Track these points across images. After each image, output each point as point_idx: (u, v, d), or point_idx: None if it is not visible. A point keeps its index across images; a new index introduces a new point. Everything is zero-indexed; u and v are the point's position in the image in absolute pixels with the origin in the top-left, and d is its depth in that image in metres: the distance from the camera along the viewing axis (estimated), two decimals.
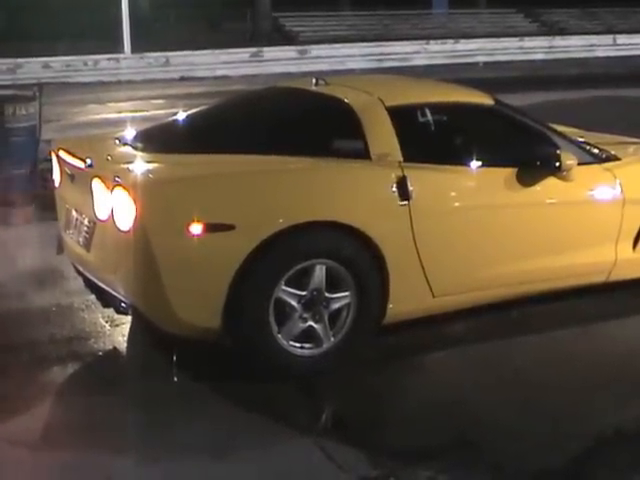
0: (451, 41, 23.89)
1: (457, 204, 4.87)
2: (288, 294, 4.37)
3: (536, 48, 24.86)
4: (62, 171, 5.14)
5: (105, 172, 4.48)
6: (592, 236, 5.34)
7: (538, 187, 5.05)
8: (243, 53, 23.83)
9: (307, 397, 4.31)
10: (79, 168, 4.77)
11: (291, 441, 3.89)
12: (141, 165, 4.57)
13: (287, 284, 4.36)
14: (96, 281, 4.76)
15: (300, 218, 4.36)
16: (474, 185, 5.02)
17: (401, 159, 4.72)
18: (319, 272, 4.42)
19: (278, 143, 4.80)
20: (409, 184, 4.62)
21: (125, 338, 5.07)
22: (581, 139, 5.81)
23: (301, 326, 4.44)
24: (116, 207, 4.33)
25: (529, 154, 5.11)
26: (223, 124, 5.24)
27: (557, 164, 5.00)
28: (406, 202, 4.61)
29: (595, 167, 5.37)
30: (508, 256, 5.06)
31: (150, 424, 4.06)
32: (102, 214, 4.48)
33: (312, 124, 5.05)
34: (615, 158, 5.53)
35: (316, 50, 23.75)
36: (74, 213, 4.96)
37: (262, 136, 4.97)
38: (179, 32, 28.80)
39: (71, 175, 4.93)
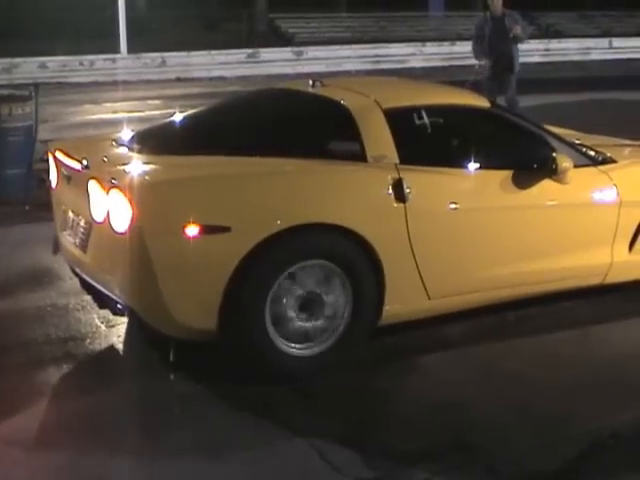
0: (447, 43, 24.00)
1: (453, 206, 4.83)
2: (284, 295, 4.37)
3: (533, 51, 24.86)
4: (59, 172, 5.11)
5: (101, 174, 4.48)
6: (588, 238, 5.35)
7: (534, 190, 5.06)
8: (239, 54, 23.84)
9: (303, 398, 4.31)
10: (76, 169, 4.75)
11: (287, 442, 3.88)
12: (137, 167, 4.53)
13: (283, 285, 4.36)
14: (92, 282, 4.76)
15: (296, 220, 4.35)
16: (470, 187, 5.01)
17: (397, 161, 4.74)
18: (315, 274, 4.43)
19: (275, 145, 4.80)
20: (405, 186, 4.63)
21: (121, 339, 5.07)
22: (577, 141, 5.81)
23: (297, 327, 4.44)
24: (112, 209, 4.32)
25: (525, 157, 5.14)
26: (220, 126, 5.24)
27: (553, 167, 5.03)
28: (402, 204, 4.63)
29: (591, 169, 5.38)
30: (504, 258, 5.07)
31: (146, 425, 4.07)
32: (98, 216, 4.47)
33: (308, 126, 5.07)
34: (611, 160, 5.55)
35: (312, 51, 23.79)
36: (70, 214, 4.95)
37: (259, 138, 4.97)
38: (176, 33, 28.79)
39: (67, 176, 4.92)
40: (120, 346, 4.99)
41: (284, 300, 4.38)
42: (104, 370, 4.69)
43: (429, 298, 4.82)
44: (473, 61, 12.36)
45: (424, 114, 5.04)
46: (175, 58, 22.92)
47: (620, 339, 5.14)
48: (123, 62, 22.89)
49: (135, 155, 4.79)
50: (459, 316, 5.09)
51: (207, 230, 4.21)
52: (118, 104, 16.99)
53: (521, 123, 5.44)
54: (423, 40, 25.94)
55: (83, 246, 4.73)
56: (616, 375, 4.61)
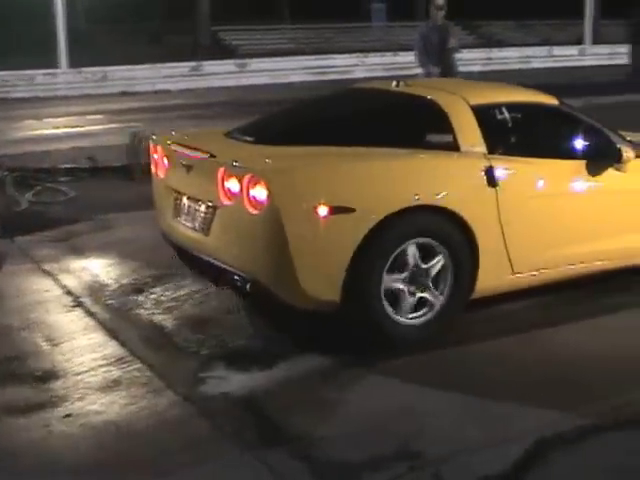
0: (390, 54, 24.14)
1: (535, 191, 5.49)
2: (397, 270, 4.93)
3: (475, 60, 25.18)
4: (172, 163, 5.60)
5: (234, 162, 4.89)
6: None
7: (603, 177, 5.72)
8: (183, 67, 23.78)
9: (249, 411, 4.28)
10: (201, 159, 5.24)
11: (234, 456, 3.85)
12: (267, 155, 5.05)
13: (396, 261, 4.91)
14: (213, 261, 5.15)
15: (409, 203, 4.88)
16: (549, 174, 5.58)
17: (486, 151, 5.34)
18: (422, 250, 4.99)
19: (379, 136, 5.35)
20: (495, 173, 5.23)
21: (65, 357, 5.00)
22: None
23: (407, 299, 5.00)
24: (247, 193, 4.75)
25: (594, 148, 5.82)
26: (322, 120, 5.81)
27: (619, 157, 5.68)
28: (494, 189, 5.22)
29: None
30: (576, 238, 5.70)
31: (89, 446, 4.02)
32: (228, 200, 4.91)
33: (407, 120, 5.67)
34: None
35: (256, 63, 23.78)
36: (186, 201, 5.45)
37: (365, 130, 5.49)
38: (119, 46, 28.60)
39: (188, 166, 5.33)
40: (64, 365, 4.91)
41: (397, 274, 4.91)
42: (47, 389, 4.62)
43: (513, 273, 5.40)
44: (415, 71, 12.46)
45: (505, 110, 5.72)
46: (118, 72, 22.79)
47: (568, 341, 5.19)
48: (64, 77, 22.69)
49: (254, 146, 5.37)
50: None
51: (335, 210, 4.70)
52: (59, 119, 16.84)
53: (585, 119, 6.00)
54: (366, 51, 26.08)
55: (204, 229, 5.19)
56: (563, 376, 4.67)
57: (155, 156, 5.86)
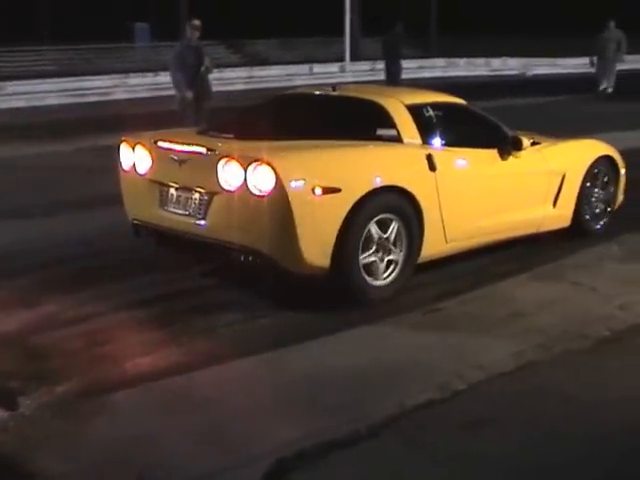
0: (151, 74, 23.75)
1: (463, 174, 6.77)
2: (369, 239, 5.98)
3: (237, 79, 25.37)
4: (157, 159, 6.34)
5: (236, 153, 5.78)
6: (532, 197, 7.38)
7: (509, 162, 7.05)
8: None
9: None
10: (199, 152, 6.02)
11: None
12: (260, 148, 5.86)
13: (369, 232, 5.97)
14: (209, 240, 5.97)
15: (376, 184, 5.97)
16: (472, 161, 6.85)
17: (421, 143, 6.52)
18: (385, 223, 6.06)
19: (340, 132, 6.38)
20: (434, 160, 6.39)
21: None
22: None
23: (376, 264, 6.08)
24: (251, 178, 5.62)
25: (500, 138, 7.08)
26: (288, 119, 6.84)
27: (520, 145, 7.02)
28: (433, 172, 6.38)
29: (532, 148, 7.31)
30: (493, 212, 6.97)
31: None
32: (229, 185, 5.74)
33: (358, 118, 6.76)
34: (537, 143, 7.54)
35: (12, 86, 22.73)
36: (174, 191, 6.22)
37: (326, 127, 6.55)
38: None
39: (180, 160, 6.10)
40: None
41: (368, 251, 5.99)
42: None
43: (446, 242, 6.59)
44: (174, 91, 12.37)
45: (430, 109, 6.86)
46: None
47: (312, 356, 5.25)
48: None
49: (238, 141, 6.20)
50: (147, 352, 5.15)
51: (326, 191, 5.71)
52: None
53: (486, 115, 7.33)
54: (129, 71, 25.62)
55: (200, 213, 6.01)
56: (304, 393, 4.69)
57: (131, 155, 6.53)
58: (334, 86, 7.27)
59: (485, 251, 7.15)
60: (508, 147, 7.03)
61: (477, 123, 7.28)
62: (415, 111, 6.68)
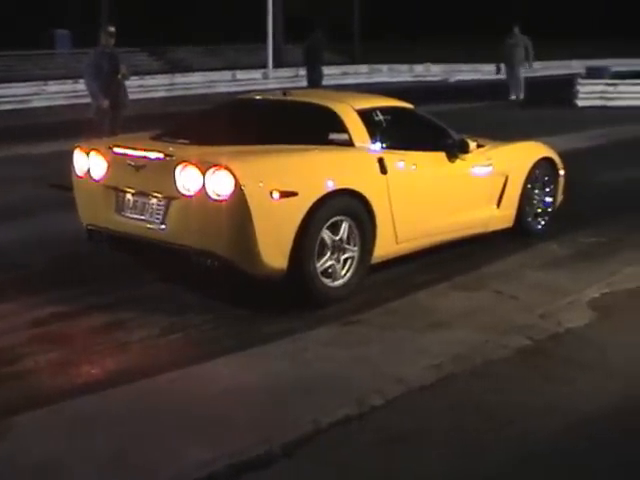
0: (70, 81, 23.16)
1: (413, 176, 6.89)
2: (324, 241, 6.06)
3: (158, 86, 24.95)
4: (113, 164, 6.35)
5: (193, 158, 5.84)
6: (479, 198, 7.57)
7: (456, 164, 7.21)
8: None
9: None
10: (156, 158, 6.04)
11: None
12: (217, 153, 5.96)
13: (324, 234, 6.05)
14: (170, 245, 5.97)
15: (330, 187, 6.07)
16: (421, 164, 6.95)
17: (370, 147, 6.66)
18: (338, 226, 6.15)
19: (291, 137, 6.44)
20: (385, 163, 6.53)
21: None
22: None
23: (331, 265, 6.16)
24: (210, 182, 5.68)
25: (447, 141, 7.24)
26: (239, 125, 6.85)
27: (467, 148, 7.21)
28: (384, 175, 6.52)
29: (478, 150, 7.51)
30: (442, 213, 7.14)
31: None
32: (187, 190, 5.79)
33: (310, 123, 6.84)
34: (481, 145, 7.67)
35: None
36: (131, 197, 6.22)
37: (278, 132, 6.61)
38: None
39: (137, 166, 6.10)
40: None
41: (324, 258, 6.09)
42: None
43: (397, 242, 6.71)
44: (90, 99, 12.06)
45: (379, 113, 7.01)
46: None
47: (221, 373, 5.09)
48: None
49: (194, 147, 6.24)
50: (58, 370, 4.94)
51: (284, 194, 5.79)
52: None
53: (433, 118, 7.53)
54: (48, 79, 25.01)
55: (158, 218, 6.02)
56: (220, 414, 4.49)
57: (85, 161, 6.54)
58: (284, 91, 7.45)
59: (407, 259, 7.05)
60: (455, 150, 7.20)
61: (425, 127, 7.44)
62: (365, 115, 6.80)
